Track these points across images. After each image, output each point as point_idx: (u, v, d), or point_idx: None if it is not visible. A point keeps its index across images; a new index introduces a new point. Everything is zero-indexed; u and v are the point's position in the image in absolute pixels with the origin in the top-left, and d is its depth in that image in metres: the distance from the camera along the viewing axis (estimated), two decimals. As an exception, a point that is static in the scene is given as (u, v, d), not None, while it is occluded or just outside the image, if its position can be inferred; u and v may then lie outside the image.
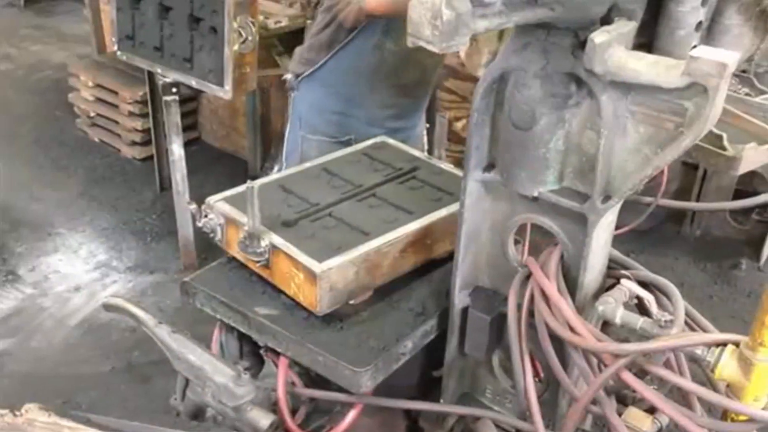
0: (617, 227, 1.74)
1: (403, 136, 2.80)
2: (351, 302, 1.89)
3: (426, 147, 3.15)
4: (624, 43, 1.47)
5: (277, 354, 1.87)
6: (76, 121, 5.33)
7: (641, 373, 1.56)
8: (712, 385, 1.64)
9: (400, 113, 2.90)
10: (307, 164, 2.30)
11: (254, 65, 3.35)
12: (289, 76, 2.94)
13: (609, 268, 1.78)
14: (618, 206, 1.62)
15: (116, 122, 4.98)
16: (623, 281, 1.64)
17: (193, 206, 2.08)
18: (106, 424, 1.62)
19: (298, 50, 2.97)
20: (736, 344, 1.44)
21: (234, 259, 2.03)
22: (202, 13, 3.26)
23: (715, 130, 2.66)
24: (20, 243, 4.17)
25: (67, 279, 3.93)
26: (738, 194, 3.98)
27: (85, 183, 4.80)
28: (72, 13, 7.19)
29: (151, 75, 4.22)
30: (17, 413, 1.64)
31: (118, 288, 3.86)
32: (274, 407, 1.81)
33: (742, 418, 1.45)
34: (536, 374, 1.82)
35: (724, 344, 1.45)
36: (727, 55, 1.35)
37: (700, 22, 1.56)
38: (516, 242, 1.79)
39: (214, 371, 1.74)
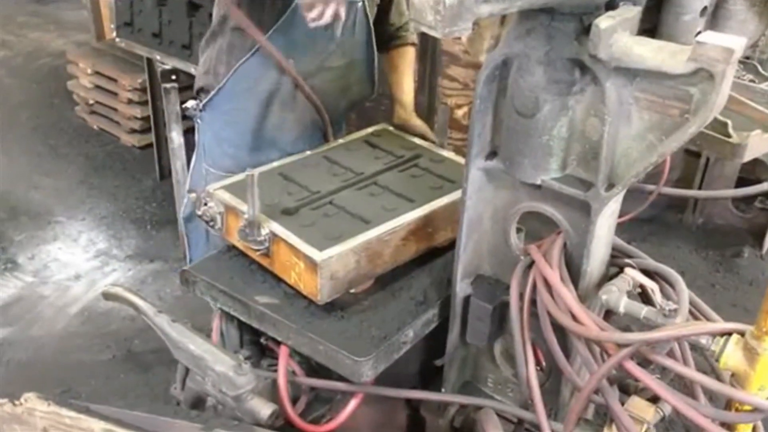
0: (619, 215, 1.72)
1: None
2: (352, 291, 1.88)
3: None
4: (629, 29, 1.44)
5: (278, 343, 1.87)
6: (75, 108, 5.31)
7: (644, 362, 1.55)
8: (716, 375, 1.63)
9: (296, 139, 2.49)
10: (308, 152, 2.29)
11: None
12: (191, 104, 2.57)
13: (612, 256, 1.77)
14: (622, 194, 1.60)
15: (115, 110, 4.95)
16: (627, 270, 1.63)
17: (193, 195, 2.07)
18: (106, 414, 1.60)
19: (198, 73, 2.59)
20: (741, 333, 1.43)
21: (234, 247, 2.02)
22: (201, -1, 3.25)
23: (720, 117, 2.64)
24: (19, 231, 4.17)
25: (66, 267, 3.92)
26: (740, 182, 3.98)
27: (85, 171, 4.78)
28: (70, 0, 7.15)
29: (150, 62, 4.20)
30: (17, 402, 1.64)
31: (118, 276, 3.85)
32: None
33: (746, 407, 1.44)
34: (538, 363, 1.81)
35: (729, 333, 1.44)
36: (734, 41, 1.33)
37: (705, 8, 1.53)
38: (518, 230, 1.78)
39: (214, 360, 1.73)
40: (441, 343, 1.93)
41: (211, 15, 2.88)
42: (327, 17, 2.08)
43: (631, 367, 1.48)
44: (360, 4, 2.39)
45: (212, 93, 2.46)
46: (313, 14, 2.06)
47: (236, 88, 2.41)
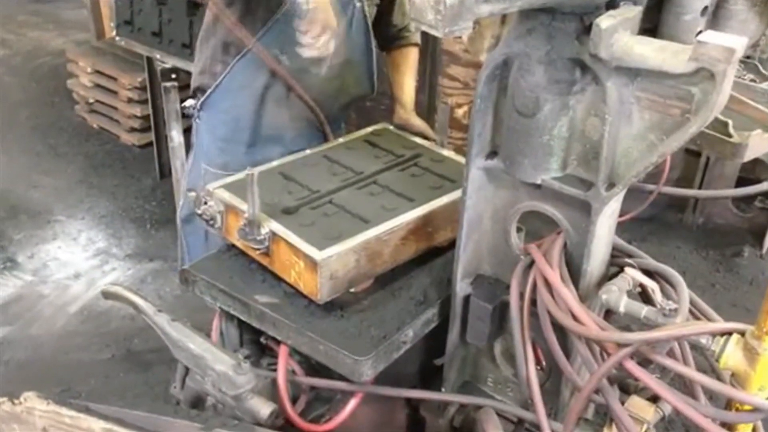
0: (619, 215, 1.72)
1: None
2: (352, 290, 1.88)
3: None
4: (630, 28, 1.44)
5: (278, 342, 1.86)
6: (74, 107, 5.31)
7: (644, 362, 1.55)
8: (716, 375, 1.62)
9: (295, 137, 2.50)
10: (308, 151, 2.29)
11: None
12: (188, 104, 2.58)
13: (612, 256, 1.77)
14: (622, 194, 1.60)
15: (115, 108, 4.95)
16: (627, 269, 1.62)
17: (193, 193, 2.06)
18: (106, 413, 1.60)
19: (194, 73, 2.58)
20: (742, 333, 1.43)
21: (234, 246, 2.02)
22: (201, -2, 3.24)
23: (721, 117, 2.63)
24: (19, 230, 4.17)
25: (66, 266, 3.92)
26: (741, 182, 3.98)
27: (84, 170, 4.78)
28: (70, -1, 7.16)
29: (150, 61, 4.19)
30: (16, 402, 1.63)
31: (118, 275, 3.85)
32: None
33: (746, 407, 1.44)
34: (538, 363, 1.81)
35: (729, 333, 1.44)
36: (735, 40, 1.33)
37: (706, 7, 1.53)
38: (518, 230, 1.78)
39: (214, 360, 1.73)
40: (441, 342, 1.92)
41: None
42: (319, 46, 2.11)
43: (631, 366, 1.47)
44: (358, 4, 2.38)
45: (209, 92, 2.46)
46: (308, 38, 2.09)
47: (232, 85, 2.41)
